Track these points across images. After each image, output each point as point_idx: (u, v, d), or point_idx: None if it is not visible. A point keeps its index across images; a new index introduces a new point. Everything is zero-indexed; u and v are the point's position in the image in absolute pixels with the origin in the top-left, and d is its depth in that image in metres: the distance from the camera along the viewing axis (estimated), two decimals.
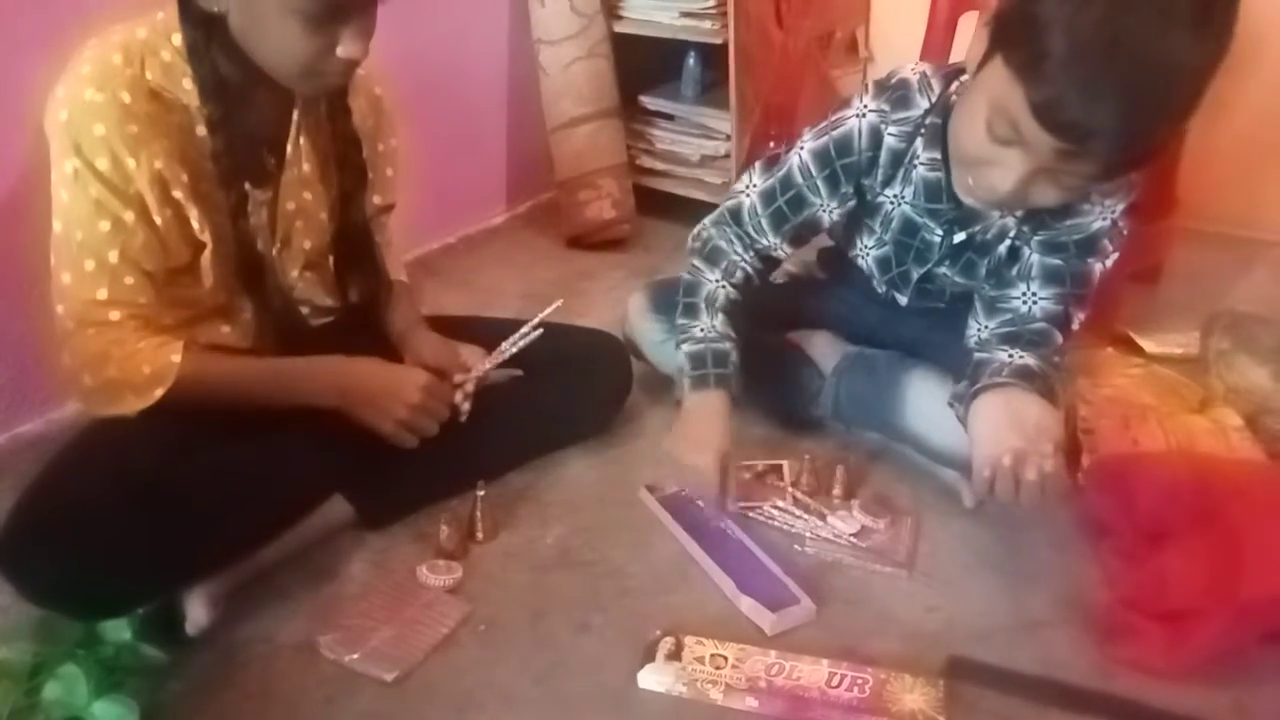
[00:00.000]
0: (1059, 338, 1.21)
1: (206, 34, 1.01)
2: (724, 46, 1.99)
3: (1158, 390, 1.48)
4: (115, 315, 1.04)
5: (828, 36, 2.21)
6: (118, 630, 1.00)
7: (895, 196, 1.27)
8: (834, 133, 1.25)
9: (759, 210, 1.31)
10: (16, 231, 1.32)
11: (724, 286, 1.32)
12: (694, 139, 2.16)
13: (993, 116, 1.02)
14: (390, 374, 1.18)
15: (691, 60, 2.16)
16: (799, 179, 1.28)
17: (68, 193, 1.02)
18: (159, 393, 1.04)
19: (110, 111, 0.99)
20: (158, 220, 1.04)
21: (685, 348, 1.29)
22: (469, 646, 1.07)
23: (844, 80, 2.23)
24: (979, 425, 1.11)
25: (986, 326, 1.24)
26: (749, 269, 1.34)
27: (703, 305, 1.31)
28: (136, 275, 1.04)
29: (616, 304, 1.60)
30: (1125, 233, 1.20)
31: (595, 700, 1.01)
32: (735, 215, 1.34)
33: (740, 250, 1.34)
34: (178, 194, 1.04)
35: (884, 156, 1.23)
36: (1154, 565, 1.11)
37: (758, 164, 1.35)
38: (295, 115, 1.12)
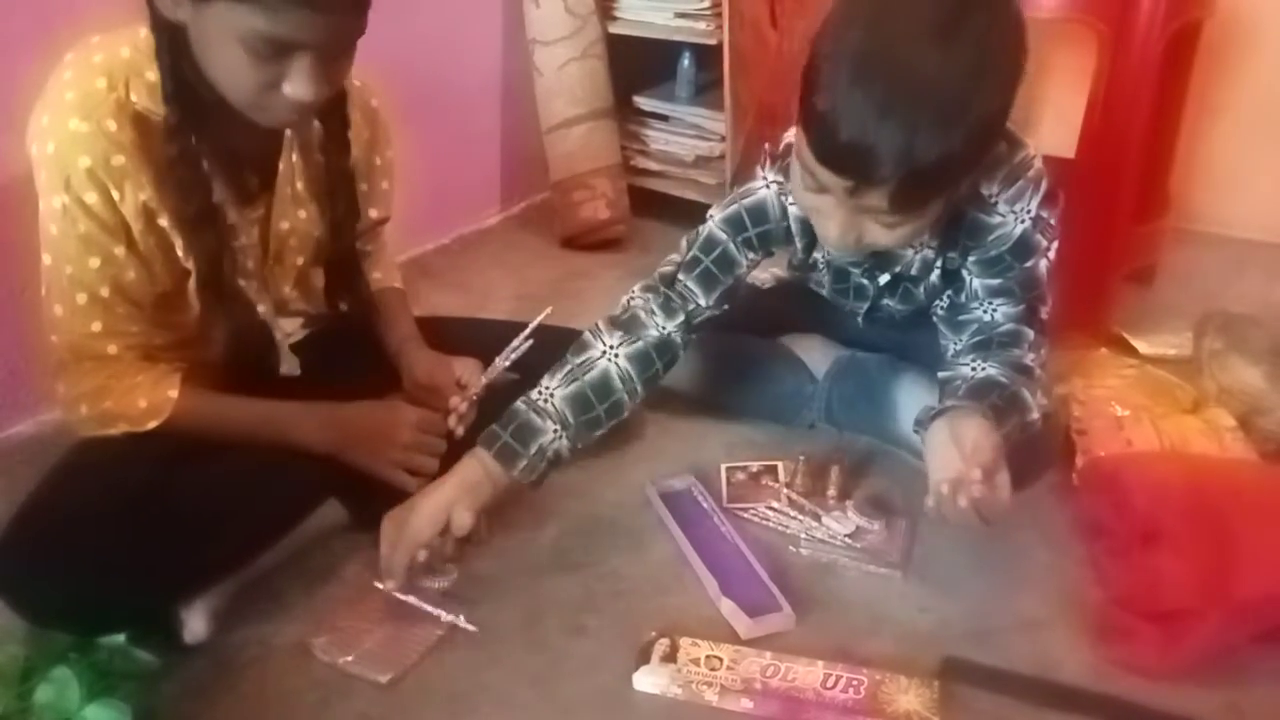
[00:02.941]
0: (1030, 333, 1.21)
1: (171, 42, 0.97)
2: (718, 47, 1.99)
3: (1151, 391, 1.48)
4: (112, 349, 1.04)
5: None
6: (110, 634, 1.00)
7: (824, 256, 1.30)
8: (744, 201, 1.25)
9: (688, 274, 1.26)
10: (7, 234, 1.32)
11: (613, 359, 1.17)
12: (688, 140, 2.16)
13: (802, 167, 1.04)
14: (379, 416, 1.17)
15: (686, 61, 2.16)
16: (722, 237, 1.25)
17: (56, 228, 1.00)
18: (153, 425, 1.05)
19: (96, 143, 0.96)
20: (143, 249, 1.03)
21: (518, 401, 1.14)
22: (463, 649, 1.07)
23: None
24: (928, 453, 1.11)
25: (959, 340, 1.24)
26: (660, 339, 1.21)
27: (563, 370, 1.16)
28: (128, 306, 1.04)
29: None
30: (1054, 221, 1.19)
31: (590, 702, 1.01)
32: (668, 279, 1.26)
33: (662, 321, 1.21)
34: (163, 222, 1.03)
35: (794, 225, 1.25)
36: (1148, 565, 1.11)
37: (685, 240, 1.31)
38: (288, 133, 1.10)
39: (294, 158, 1.12)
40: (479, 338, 1.32)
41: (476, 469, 1.10)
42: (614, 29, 2.09)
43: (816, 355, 1.47)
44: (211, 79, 0.96)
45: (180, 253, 1.05)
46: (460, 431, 1.21)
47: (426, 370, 1.26)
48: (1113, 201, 1.69)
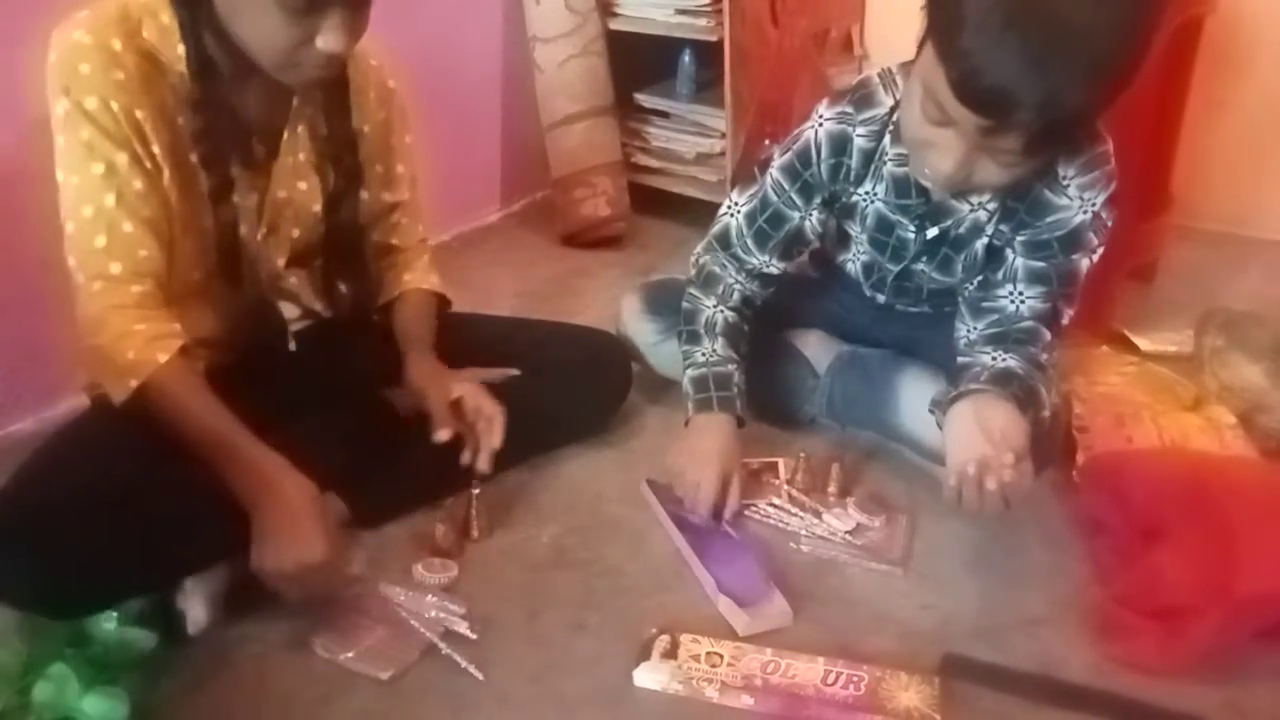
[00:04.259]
0: (1047, 335, 1.21)
1: (193, 13, 1.00)
2: (719, 44, 1.99)
3: (1152, 388, 1.48)
4: (116, 268, 1.02)
5: (823, 34, 2.21)
6: (109, 628, 1.00)
7: (868, 194, 1.27)
8: (795, 146, 1.27)
9: (744, 231, 1.33)
10: (7, 233, 1.32)
11: (721, 310, 1.34)
12: (689, 136, 2.16)
13: (924, 99, 1.04)
14: (299, 526, 1.00)
15: (687, 58, 2.16)
16: (774, 197, 1.30)
17: (63, 137, 1.01)
18: (132, 384, 1.01)
19: (97, 54, 0.98)
20: (146, 165, 1.03)
21: (688, 373, 1.31)
22: (464, 645, 1.07)
23: (839, 78, 2.22)
24: (950, 433, 1.11)
25: (974, 328, 1.24)
26: (745, 290, 1.35)
27: (702, 331, 1.33)
28: (136, 223, 1.03)
29: (612, 302, 1.60)
30: (1109, 224, 1.19)
31: (591, 699, 1.01)
32: (723, 239, 1.35)
33: (734, 273, 1.35)
34: (156, 150, 1.03)
35: (855, 158, 1.24)
36: (1148, 562, 1.11)
37: (738, 185, 1.36)
38: (295, 102, 1.11)
39: (299, 129, 1.13)
40: (479, 334, 1.32)
41: (717, 425, 1.26)
42: (614, 26, 2.09)
43: (818, 350, 1.47)
44: (241, 42, 0.99)
45: (165, 183, 1.05)
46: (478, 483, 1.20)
47: (419, 385, 1.21)
48: (1116, 198, 1.69)
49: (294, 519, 1.00)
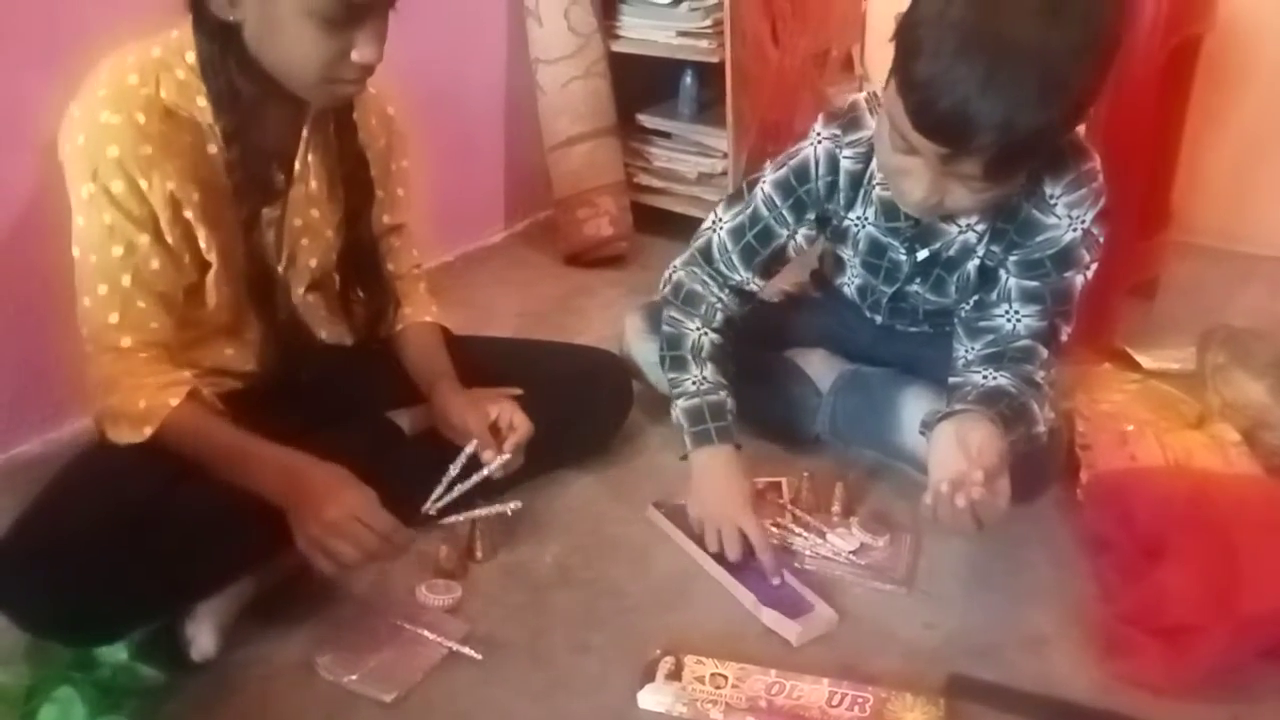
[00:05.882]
0: (1045, 353, 1.20)
1: (222, 46, 1.02)
2: (720, 65, 2.00)
3: (1155, 406, 1.48)
4: (126, 341, 1.05)
5: (823, 54, 2.23)
6: (113, 651, 1.00)
7: (859, 218, 1.28)
8: (792, 162, 1.28)
9: (729, 246, 1.33)
10: (15, 256, 1.33)
11: (705, 333, 1.31)
12: (691, 157, 2.17)
13: (891, 128, 1.05)
14: (320, 481, 1.02)
15: (688, 79, 2.17)
16: (765, 212, 1.31)
17: (84, 218, 1.03)
18: (147, 431, 1.04)
19: (125, 134, 0.99)
20: (170, 239, 1.05)
21: (680, 404, 1.28)
22: (467, 667, 1.07)
23: (840, 98, 2.24)
24: (932, 453, 1.11)
25: (972, 349, 1.23)
26: (727, 310, 1.34)
27: (689, 357, 1.30)
28: (149, 300, 1.05)
29: (614, 321, 1.61)
30: (1101, 240, 1.20)
31: None
32: (705, 254, 1.35)
33: (715, 291, 1.34)
34: (188, 214, 1.05)
35: (843, 180, 1.25)
36: (1152, 581, 1.11)
37: (722, 200, 1.37)
38: (305, 132, 1.13)
39: (310, 157, 1.15)
40: (485, 354, 1.32)
41: (720, 459, 1.24)
42: (616, 47, 2.10)
43: (821, 369, 1.47)
44: (274, 66, 1.02)
45: (203, 244, 1.08)
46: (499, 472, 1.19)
47: (459, 414, 1.22)
48: (1115, 216, 1.69)
49: (329, 484, 1.03)
